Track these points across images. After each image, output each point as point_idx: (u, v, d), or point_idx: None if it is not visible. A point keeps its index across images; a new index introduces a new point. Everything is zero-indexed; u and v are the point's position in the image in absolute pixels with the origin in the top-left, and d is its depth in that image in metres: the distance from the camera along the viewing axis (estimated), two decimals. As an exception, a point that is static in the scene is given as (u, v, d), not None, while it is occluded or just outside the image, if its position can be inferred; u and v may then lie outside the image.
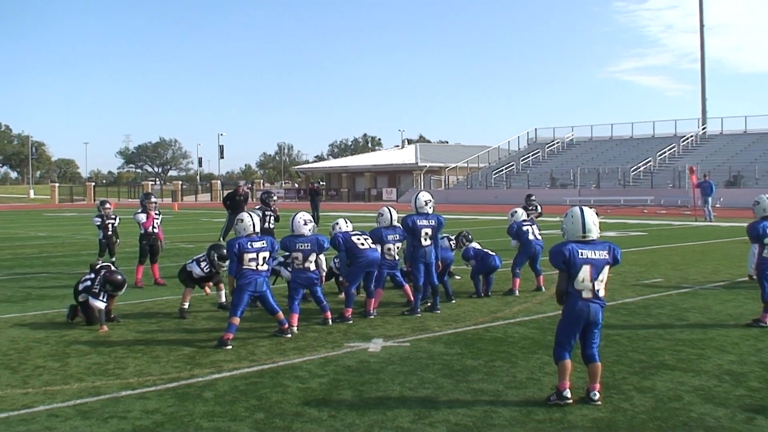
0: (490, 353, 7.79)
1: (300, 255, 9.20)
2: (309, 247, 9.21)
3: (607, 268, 6.04)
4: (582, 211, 6.13)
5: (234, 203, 22.90)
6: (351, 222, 10.69)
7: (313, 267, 9.30)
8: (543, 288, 11.76)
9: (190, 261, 10.40)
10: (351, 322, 9.52)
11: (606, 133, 64.08)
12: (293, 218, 9.37)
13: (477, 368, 7.20)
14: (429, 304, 10.39)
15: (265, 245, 8.61)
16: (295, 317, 9.06)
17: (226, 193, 25.48)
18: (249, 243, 8.51)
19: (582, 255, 5.89)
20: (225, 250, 9.93)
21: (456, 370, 7.15)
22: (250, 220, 8.71)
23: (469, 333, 8.86)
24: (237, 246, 8.47)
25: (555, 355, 6.03)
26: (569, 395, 5.97)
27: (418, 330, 9.05)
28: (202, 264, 10.20)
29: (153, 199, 13.34)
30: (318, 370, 7.17)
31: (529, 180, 55.44)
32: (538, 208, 18.01)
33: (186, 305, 10.10)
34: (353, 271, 9.91)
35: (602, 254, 6.00)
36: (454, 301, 10.97)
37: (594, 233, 6.07)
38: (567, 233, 6.10)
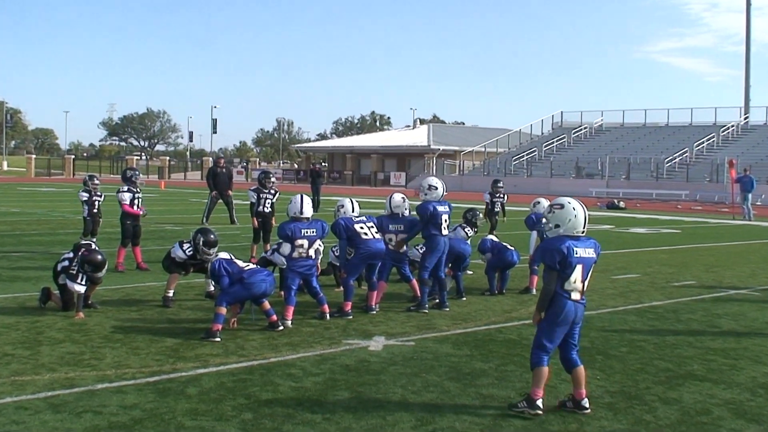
0: (503, 356, 7.80)
1: (306, 242, 9.26)
2: (315, 233, 9.33)
3: (592, 268, 6.04)
4: (581, 204, 6.11)
5: (216, 179, 22.91)
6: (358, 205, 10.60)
7: (313, 254, 9.36)
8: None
9: (175, 245, 10.40)
10: (350, 317, 9.54)
11: (639, 120, 63.87)
12: (300, 200, 9.49)
13: (487, 372, 7.22)
14: (437, 300, 10.40)
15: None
16: (291, 310, 9.08)
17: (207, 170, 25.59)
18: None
19: (576, 254, 5.88)
20: (212, 236, 9.96)
21: (464, 373, 7.17)
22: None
23: (479, 333, 8.87)
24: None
25: (533, 359, 6.03)
26: (541, 405, 5.98)
27: (424, 328, 9.06)
28: (185, 246, 10.14)
29: (138, 175, 13.37)
30: (313, 369, 7.19)
31: (552, 168, 55.33)
32: (505, 196, 18.14)
33: (171, 293, 10.13)
34: (353, 261, 9.91)
35: (590, 252, 6.02)
36: (464, 298, 10.98)
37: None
38: (563, 227, 6.00)
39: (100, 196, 14.79)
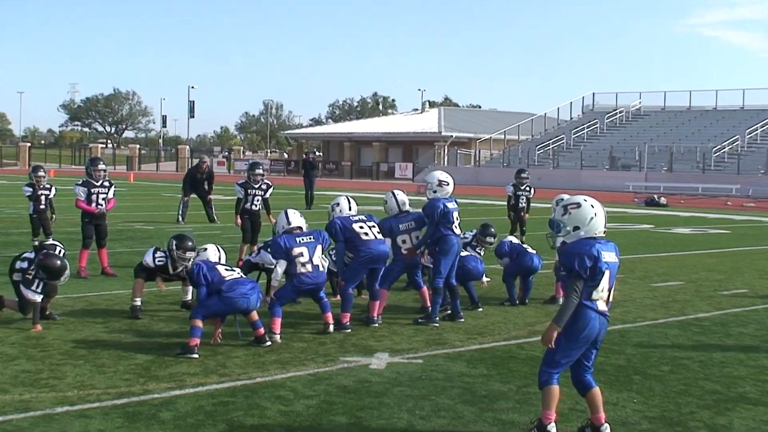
0: (524, 376, 7.80)
1: (305, 250, 9.30)
2: (312, 240, 9.42)
3: (615, 274, 6.05)
4: (599, 204, 6.13)
5: (194, 183, 23.10)
6: (356, 203, 10.67)
7: (322, 265, 9.43)
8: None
9: (149, 251, 10.42)
10: (349, 330, 9.56)
11: (682, 102, 63.93)
12: (284, 214, 9.75)
13: (507, 394, 7.23)
14: (449, 311, 10.41)
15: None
16: (278, 322, 9.10)
17: (187, 171, 25.72)
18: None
19: (604, 258, 5.89)
20: (189, 242, 9.98)
21: (480, 395, 7.18)
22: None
23: (498, 350, 8.89)
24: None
25: (541, 378, 6.00)
26: (554, 431, 5.97)
27: (433, 344, 9.08)
28: (158, 254, 10.18)
29: (101, 167, 13.35)
30: (305, 390, 7.21)
31: (583, 158, 55.34)
32: (531, 190, 17.97)
33: (138, 302, 10.16)
34: (353, 267, 9.93)
35: (614, 257, 6.04)
36: (480, 309, 10.99)
37: None
38: (584, 229, 6.00)
39: (49, 190, 14.79)
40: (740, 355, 8.82)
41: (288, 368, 7.91)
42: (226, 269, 8.96)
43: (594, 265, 5.83)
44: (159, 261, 10.16)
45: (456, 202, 10.44)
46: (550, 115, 67.79)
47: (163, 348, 8.59)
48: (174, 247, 10.05)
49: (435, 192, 10.27)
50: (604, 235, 6.05)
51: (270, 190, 14.75)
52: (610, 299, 6.04)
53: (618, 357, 8.58)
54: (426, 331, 9.73)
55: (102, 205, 13.21)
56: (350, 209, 10.32)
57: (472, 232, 12.27)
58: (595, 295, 5.89)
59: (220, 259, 9.67)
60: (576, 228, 6.02)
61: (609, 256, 5.95)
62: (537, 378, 6.07)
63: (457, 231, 10.20)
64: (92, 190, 13.15)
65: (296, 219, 9.77)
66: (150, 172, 71.45)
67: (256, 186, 14.54)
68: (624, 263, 16.03)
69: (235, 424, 6.29)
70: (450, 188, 10.33)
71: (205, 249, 9.90)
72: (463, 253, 10.79)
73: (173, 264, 10.12)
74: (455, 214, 10.18)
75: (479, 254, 11.73)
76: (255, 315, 8.77)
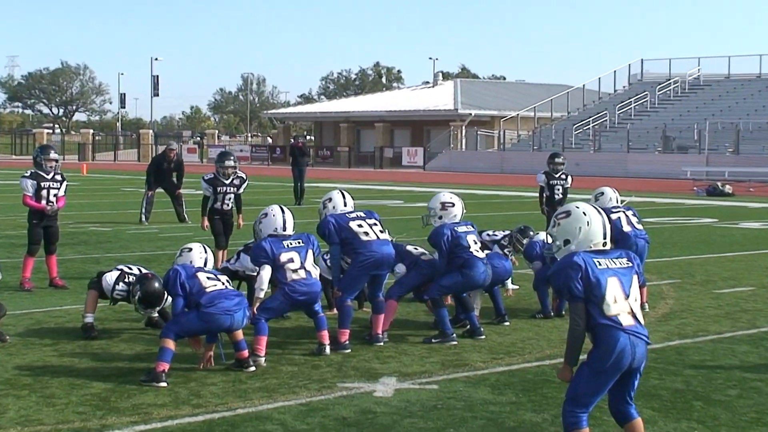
0: (560, 403, 7.78)
1: (294, 255, 9.30)
2: (302, 244, 9.42)
3: (635, 280, 6.01)
4: (596, 208, 6.20)
5: (160, 175, 23.11)
6: (352, 197, 10.68)
7: (315, 272, 9.40)
8: (646, 305, 11.77)
9: (114, 269, 10.35)
10: (349, 351, 9.57)
11: (751, 70, 63.64)
12: (280, 214, 9.62)
13: (540, 426, 7.24)
14: (468, 326, 10.43)
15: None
16: (263, 341, 9.10)
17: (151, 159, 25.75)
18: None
19: (600, 265, 5.88)
20: (157, 287, 9.61)
21: (508, 427, 7.19)
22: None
23: (529, 372, 8.90)
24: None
25: (567, 419, 5.94)
26: None
27: (451, 365, 9.09)
28: (120, 286, 10.07)
29: (53, 156, 13.33)
30: (296, 423, 7.22)
31: (630, 139, 55.28)
32: (568, 179, 17.95)
33: (90, 318, 10.16)
34: (351, 273, 9.94)
35: (623, 262, 6.02)
36: (507, 323, 11.00)
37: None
38: (575, 242, 6.04)
39: None
40: (823, 376, 8.81)
41: (275, 397, 7.92)
42: (209, 277, 8.89)
43: (584, 276, 5.80)
44: (118, 295, 10.04)
45: (471, 225, 10.52)
46: (589, 87, 67.75)
47: (124, 374, 8.59)
48: (137, 297, 9.65)
49: (440, 218, 10.35)
50: (606, 248, 6.04)
51: (244, 185, 14.60)
52: (637, 310, 5.99)
53: (675, 379, 8.57)
54: (441, 350, 9.74)
55: (53, 202, 13.19)
56: (345, 205, 10.32)
57: (504, 232, 12.32)
58: (607, 309, 5.84)
59: (206, 263, 9.41)
60: (566, 242, 6.08)
61: (609, 262, 5.93)
62: (561, 418, 6.00)
63: (481, 255, 10.28)
64: (42, 184, 13.09)
65: (291, 224, 9.63)
66: (106, 163, 71.66)
67: (227, 181, 14.30)
68: (680, 265, 16.12)
69: (212, 466, 6.31)
70: (457, 209, 10.40)
71: (189, 249, 9.53)
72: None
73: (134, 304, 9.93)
74: (470, 238, 10.21)
75: (507, 255, 11.82)
76: (240, 333, 8.77)
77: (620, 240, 11.94)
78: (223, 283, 8.94)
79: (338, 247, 9.94)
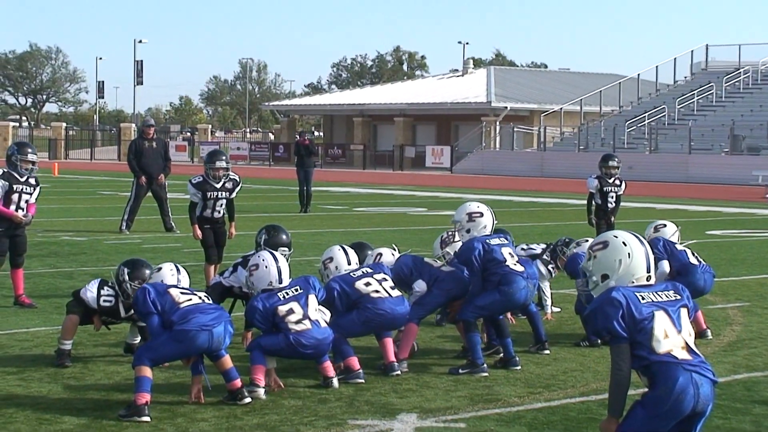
0: (609, 446, 7.77)
1: (294, 305, 9.25)
2: (300, 290, 9.39)
3: (685, 314, 5.97)
4: (637, 237, 6.13)
5: (144, 158, 23.04)
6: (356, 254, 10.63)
7: (322, 320, 9.36)
8: (708, 332, 11.73)
9: (91, 282, 10.42)
10: (362, 381, 9.56)
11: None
12: (273, 263, 9.49)
13: (584, 472, 7.21)
14: (501, 354, 10.42)
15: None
16: (262, 370, 9.10)
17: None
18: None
19: (644, 300, 5.84)
20: (147, 269, 9.93)
21: (546, 474, 7.17)
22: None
23: (572, 409, 8.87)
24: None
25: None
26: None
27: (481, 401, 9.07)
28: (105, 291, 10.14)
29: (31, 156, 13.28)
30: (299, 466, 7.22)
31: (692, 138, 55.11)
32: (622, 184, 17.89)
33: (68, 345, 10.18)
34: (353, 320, 9.92)
35: (671, 295, 5.97)
36: (547, 352, 10.98)
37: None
38: (614, 276, 6.01)
39: None
40: None
41: (275, 436, 7.92)
42: (183, 292, 8.95)
43: (627, 313, 5.77)
44: (106, 302, 10.11)
45: (506, 236, 10.61)
46: (645, 77, 67.65)
47: (101, 408, 8.60)
48: (126, 277, 9.94)
49: (468, 231, 10.38)
50: (650, 282, 6.01)
51: (237, 189, 14.45)
52: (693, 345, 5.94)
53: (743, 419, 8.53)
54: (470, 382, 9.72)
55: (24, 208, 13.16)
56: (349, 263, 10.37)
57: (541, 245, 12.34)
58: (657, 346, 5.79)
59: (178, 282, 9.57)
60: (604, 277, 6.04)
61: (654, 296, 5.89)
62: None
63: (519, 268, 10.30)
64: (15, 187, 13.06)
65: (287, 275, 9.49)
66: (81, 162, 71.96)
67: (219, 185, 14.18)
68: (749, 286, 16.07)
69: None
70: (487, 219, 10.40)
71: (159, 269, 9.87)
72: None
73: (126, 303, 10.01)
74: (505, 251, 10.24)
75: (551, 272, 11.97)
76: (228, 360, 8.76)
77: (685, 273, 11.94)
78: (200, 298, 8.98)
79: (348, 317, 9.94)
